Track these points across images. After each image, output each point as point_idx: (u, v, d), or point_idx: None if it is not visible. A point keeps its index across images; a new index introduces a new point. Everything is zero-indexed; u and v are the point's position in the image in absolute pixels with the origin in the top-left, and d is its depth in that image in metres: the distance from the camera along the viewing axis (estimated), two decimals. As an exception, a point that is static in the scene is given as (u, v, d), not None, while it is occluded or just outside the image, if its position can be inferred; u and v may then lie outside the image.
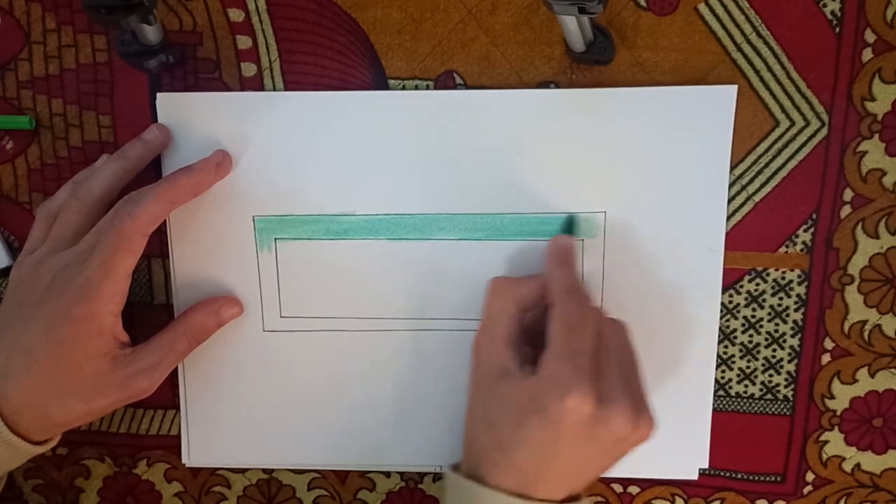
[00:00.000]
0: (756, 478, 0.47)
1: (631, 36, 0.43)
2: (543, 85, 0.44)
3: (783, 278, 0.45)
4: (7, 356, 0.39)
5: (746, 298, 0.45)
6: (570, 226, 0.44)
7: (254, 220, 0.45)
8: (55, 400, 0.39)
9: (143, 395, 0.41)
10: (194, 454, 0.48)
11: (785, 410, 0.47)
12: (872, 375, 0.46)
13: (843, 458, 0.47)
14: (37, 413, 0.40)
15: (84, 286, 0.38)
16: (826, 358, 0.46)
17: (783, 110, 0.43)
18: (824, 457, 0.47)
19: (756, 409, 0.47)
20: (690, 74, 0.43)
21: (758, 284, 0.45)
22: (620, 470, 0.42)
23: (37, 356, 0.39)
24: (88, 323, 0.39)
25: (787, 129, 0.44)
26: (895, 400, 0.46)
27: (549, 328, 0.39)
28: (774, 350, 0.46)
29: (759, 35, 0.43)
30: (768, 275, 0.45)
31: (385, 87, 0.44)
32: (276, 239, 0.45)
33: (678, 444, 0.46)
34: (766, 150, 0.44)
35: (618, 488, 0.48)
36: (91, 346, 0.39)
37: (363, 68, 0.44)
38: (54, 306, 0.39)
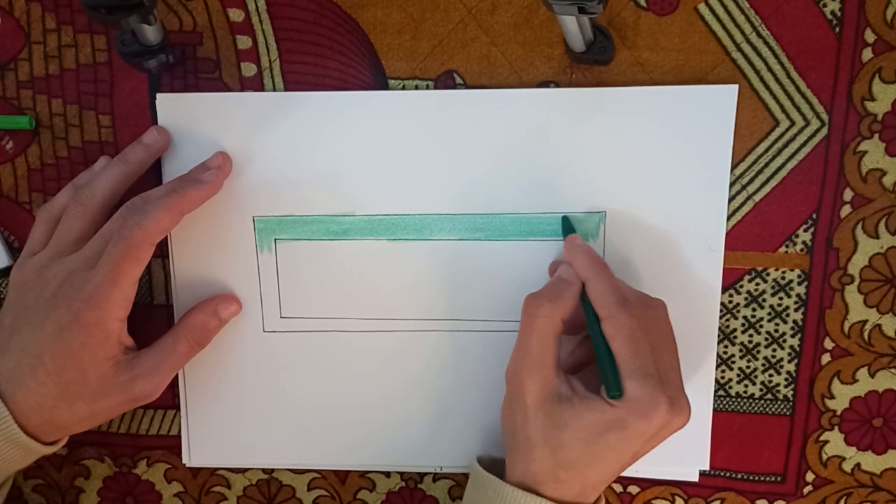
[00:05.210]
0: (756, 478, 0.47)
1: (631, 36, 0.43)
2: (543, 85, 0.44)
3: (783, 278, 0.45)
4: (17, 360, 0.40)
5: (746, 298, 0.45)
6: (569, 225, 0.44)
7: (254, 220, 0.45)
8: (62, 402, 0.40)
9: (148, 399, 0.41)
10: (194, 454, 0.48)
11: (785, 410, 0.47)
12: (872, 375, 0.46)
13: (843, 458, 0.47)
14: (45, 415, 0.40)
15: (93, 293, 0.39)
16: (826, 358, 0.46)
17: (783, 110, 0.43)
18: (824, 457, 0.47)
19: (756, 409, 0.47)
20: (690, 74, 0.43)
21: (758, 284, 0.45)
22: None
23: (45, 360, 0.39)
24: (97, 329, 0.39)
25: (787, 129, 0.44)
26: (895, 400, 0.46)
27: (611, 344, 0.38)
28: (774, 350, 0.46)
29: (759, 35, 0.43)
30: (768, 275, 0.45)
31: (385, 87, 0.44)
32: (276, 239, 0.45)
33: (678, 445, 0.46)
34: (766, 150, 0.44)
35: (618, 488, 0.48)
36: (98, 350, 0.39)
37: (363, 68, 0.44)
38: (63, 312, 0.39)
